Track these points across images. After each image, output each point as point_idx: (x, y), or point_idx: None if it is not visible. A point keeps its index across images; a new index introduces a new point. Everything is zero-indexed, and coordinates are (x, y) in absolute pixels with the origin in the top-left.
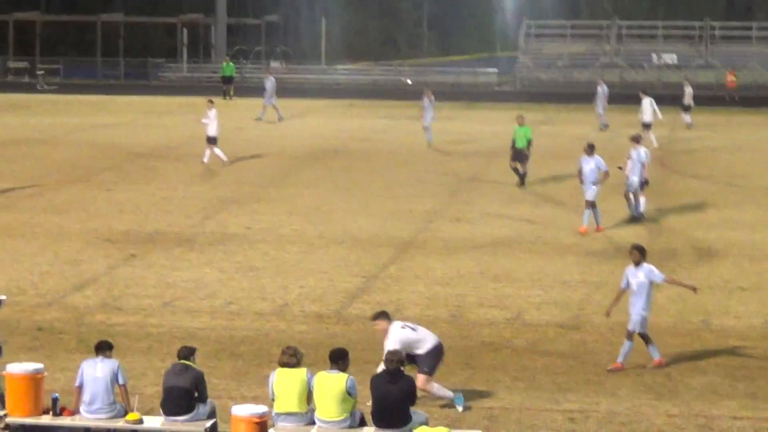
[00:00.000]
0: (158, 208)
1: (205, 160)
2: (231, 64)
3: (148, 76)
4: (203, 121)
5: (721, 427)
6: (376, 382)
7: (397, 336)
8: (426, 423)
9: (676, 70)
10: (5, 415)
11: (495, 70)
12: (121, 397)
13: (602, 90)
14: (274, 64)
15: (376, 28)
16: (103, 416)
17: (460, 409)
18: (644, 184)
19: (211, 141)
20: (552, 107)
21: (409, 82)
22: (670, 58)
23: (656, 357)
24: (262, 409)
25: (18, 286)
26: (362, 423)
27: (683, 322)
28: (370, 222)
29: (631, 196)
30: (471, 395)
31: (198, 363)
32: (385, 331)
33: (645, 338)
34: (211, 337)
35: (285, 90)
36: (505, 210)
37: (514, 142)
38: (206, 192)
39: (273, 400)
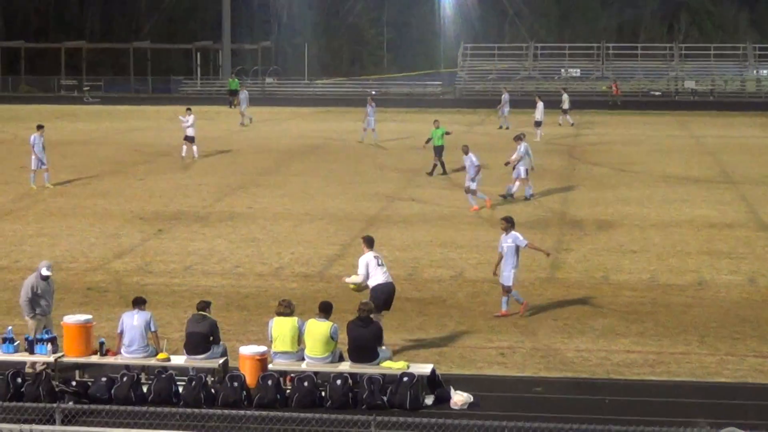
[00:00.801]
0: (179, 193)
1: (183, 154)
2: (235, 80)
3: (171, 90)
4: (180, 117)
5: (618, 359)
6: (351, 326)
7: (363, 259)
8: (390, 358)
9: (580, 81)
10: (62, 356)
11: (439, 82)
12: (153, 341)
13: (505, 97)
14: (269, 80)
15: (346, 50)
16: (139, 356)
17: None
18: (526, 171)
19: (189, 140)
20: (484, 111)
21: (373, 92)
22: (575, 71)
23: (503, 309)
24: (262, 349)
25: (72, 256)
26: (341, 359)
27: (587, 278)
28: (344, 202)
29: (516, 181)
30: (425, 337)
31: (212, 313)
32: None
33: (506, 290)
34: (222, 293)
35: (276, 100)
36: (449, 193)
37: (431, 140)
38: (216, 180)
39: (271, 342)
